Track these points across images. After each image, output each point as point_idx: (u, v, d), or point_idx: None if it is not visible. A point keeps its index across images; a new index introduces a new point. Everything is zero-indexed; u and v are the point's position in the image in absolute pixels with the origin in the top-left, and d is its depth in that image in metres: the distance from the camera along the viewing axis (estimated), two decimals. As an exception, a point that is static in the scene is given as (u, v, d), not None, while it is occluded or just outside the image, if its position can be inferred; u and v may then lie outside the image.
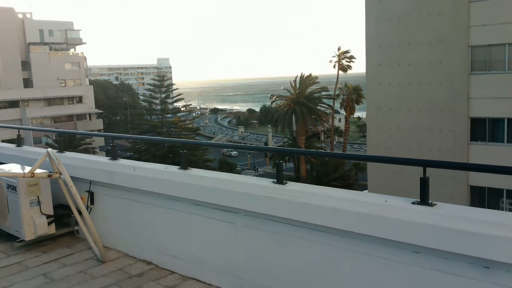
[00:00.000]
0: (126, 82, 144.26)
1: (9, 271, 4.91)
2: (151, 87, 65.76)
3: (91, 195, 5.53)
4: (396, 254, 3.19)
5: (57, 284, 4.57)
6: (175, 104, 68.38)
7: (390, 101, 25.94)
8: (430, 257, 3.04)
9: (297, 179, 49.06)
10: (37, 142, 56.51)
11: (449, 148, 23.82)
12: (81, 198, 5.19)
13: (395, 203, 3.26)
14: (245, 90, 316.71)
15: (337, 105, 62.42)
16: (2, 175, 5.50)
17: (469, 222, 2.89)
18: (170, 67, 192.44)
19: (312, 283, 3.71)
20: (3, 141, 9.37)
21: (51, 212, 5.57)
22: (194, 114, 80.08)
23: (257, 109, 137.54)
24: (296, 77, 57.72)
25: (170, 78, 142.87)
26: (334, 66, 60.43)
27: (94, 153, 54.19)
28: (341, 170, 47.98)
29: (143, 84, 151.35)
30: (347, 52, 60.66)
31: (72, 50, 78.48)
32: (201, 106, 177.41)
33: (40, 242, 5.60)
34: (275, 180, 3.96)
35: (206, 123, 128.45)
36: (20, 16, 74.11)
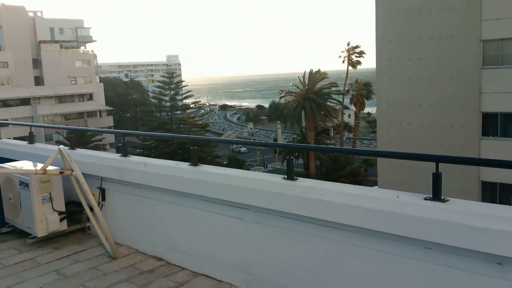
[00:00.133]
0: (136, 79, 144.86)
1: (22, 267, 4.96)
2: (161, 84, 65.96)
3: (103, 191, 5.56)
4: (407, 250, 3.17)
5: (69, 280, 4.60)
6: (184, 101, 68.58)
7: (400, 96, 25.77)
8: (442, 253, 3.01)
9: (307, 175, 48.96)
10: (48, 140, 57.02)
11: (460, 143, 23.61)
12: (93, 194, 5.23)
13: (407, 199, 3.24)
14: (254, 86, 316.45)
15: (346, 101, 62.16)
16: (15, 172, 5.55)
17: (482, 218, 2.86)
18: (180, 64, 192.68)
19: (322, 279, 3.70)
20: (15, 138, 9.46)
21: (63, 209, 5.62)
22: (203, 110, 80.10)
23: (266, 105, 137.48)
24: (304, 73, 57.53)
25: (180, 75, 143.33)
26: (343, 61, 60.21)
27: (104, 150, 54.54)
28: (350, 166, 47.84)
29: (153, 81, 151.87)
30: (356, 47, 60.39)
31: (82, 47, 78.94)
32: (210, 103, 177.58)
33: (52, 239, 5.64)
34: (286, 176, 3.95)
35: (216, 119, 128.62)
36: (31, 14, 74.69)
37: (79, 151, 6.33)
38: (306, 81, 56.44)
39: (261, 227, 4.04)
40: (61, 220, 5.57)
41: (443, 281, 3.04)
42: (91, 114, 70.67)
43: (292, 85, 63.77)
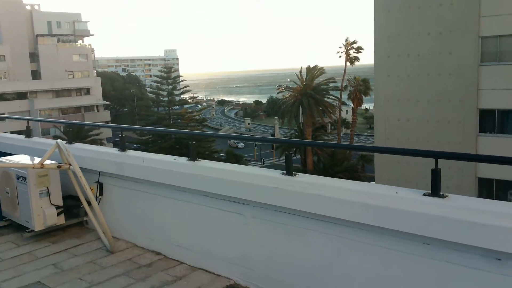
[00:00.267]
0: (134, 73, 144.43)
1: (20, 261, 4.95)
2: (158, 79, 65.80)
3: (100, 186, 5.55)
4: (407, 246, 3.17)
5: (67, 274, 4.60)
6: (182, 95, 68.41)
7: (398, 92, 25.79)
8: (441, 249, 3.02)
9: (304, 171, 49.02)
10: (45, 134, 56.90)
11: (458, 140, 23.67)
12: (90, 189, 5.21)
13: (406, 195, 3.24)
14: (252, 82, 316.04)
15: (344, 97, 62.17)
16: (12, 166, 5.54)
17: (481, 214, 2.86)
18: (177, 59, 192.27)
19: (321, 275, 3.70)
20: (12, 132, 9.43)
21: (60, 203, 5.61)
22: (200, 106, 79.90)
23: (264, 100, 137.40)
24: (301, 69, 57.51)
25: (177, 70, 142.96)
26: (340, 56, 60.18)
27: (101, 144, 54.46)
28: (347, 162, 47.91)
29: (150, 75, 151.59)
30: (354, 42, 60.33)
31: (79, 41, 78.67)
32: (208, 98, 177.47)
33: (49, 233, 5.63)
34: (285, 172, 3.95)
35: (213, 114, 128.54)
36: (28, 8, 74.33)
37: (77, 145, 6.31)
38: (304, 76, 56.39)
39: (260, 222, 4.04)
40: (58, 214, 5.56)
41: (442, 277, 3.05)
42: (88, 108, 70.47)
43: (290, 80, 63.73)
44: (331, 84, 58.25)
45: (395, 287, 3.30)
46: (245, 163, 54.54)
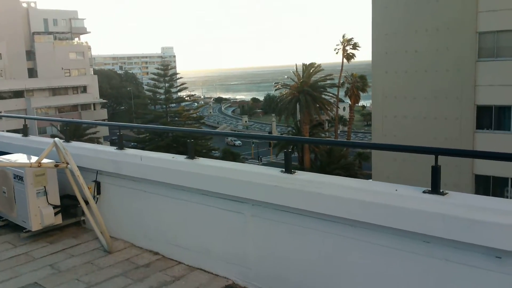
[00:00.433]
0: (130, 71, 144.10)
1: (16, 261, 4.91)
2: (155, 77, 65.64)
3: (98, 185, 5.52)
4: (407, 244, 3.16)
5: (64, 274, 4.56)
6: (179, 93, 68.28)
7: (396, 89, 25.79)
8: (441, 246, 3.00)
9: (301, 168, 49.03)
10: (41, 132, 56.67)
11: (455, 136, 23.68)
12: (88, 188, 5.18)
13: (406, 192, 3.22)
14: (250, 79, 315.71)
15: (341, 94, 62.15)
16: (9, 165, 5.49)
17: (481, 212, 2.84)
18: (174, 56, 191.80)
19: (321, 273, 3.68)
20: (8, 131, 9.37)
21: (57, 202, 5.57)
22: (197, 104, 79.60)
23: (262, 98, 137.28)
24: (295, 65, 57.47)
25: (174, 67, 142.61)
26: (337, 53, 60.14)
27: (98, 143, 54.32)
28: (345, 159, 47.92)
29: (147, 73, 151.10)
30: (351, 39, 60.28)
31: (76, 39, 78.36)
32: (205, 96, 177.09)
33: (46, 233, 5.59)
34: (284, 169, 3.92)
35: (210, 112, 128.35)
36: (24, 5, 73.95)
37: (74, 144, 6.27)
38: (301, 73, 56.34)
39: (259, 220, 4.01)
40: (55, 214, 5.52)
41: (442, 275, 3.03)
42: (85, 106, 70.24)
43: (287, 77, 63.66)
44: (328, 81, 58.21)
45: (395, 285, 3.28)
46: (242, 161, 54.52)
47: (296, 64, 57.77)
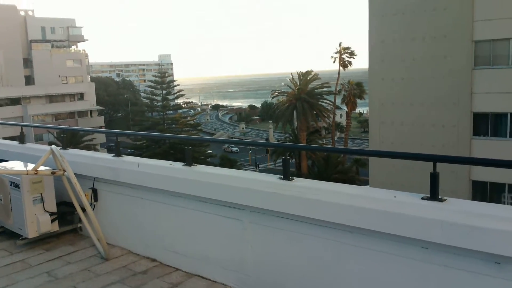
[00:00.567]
0: (128, 79, 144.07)
1: (13, 269, 4.88)
2: (153, 84, 65.70)
3: (95, 192, 5.50)
4: (405, 250, 3.15)
5: (61, 282, 4.53)
6: (176, 100, 68.32)
7: (393, 96, 25.87)
8: (440, 252, 3.00)
9: (298, 175, 49.02)
10: (38, 140, 56.54)
11: (452, 143, 23.75)
12: (85, 195, 5.15)
13: (405, 199, 3.21)
14: (247, 86, 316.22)
15: (338, 101, 62.34)
16: (5, 173, 5.46)
17: (480, 218, 2.85)
18: (172, 64, 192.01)
19: (319, 280, 3.67)
20: (5, 138, 9.34)
21: (54, 210, 5.54)
22: (193, 111, 79.50)
23: (259, 105, 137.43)
24: (291, 75, 57.77)
25: (172, 75, 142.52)
26: (334, 61, 60.41)
27: (95, 150, 54.20)
28: (342, 166, 47.97)
29: (145, 80, 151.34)
30: (348, 48, 60.61)
31: (73, 47, 78.41)
32: (202, 103, 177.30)
33: (43, 240, 5.56)
34: (282, 176, 3.92)
35: (208, 119, 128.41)
36: (22, 13, 74.04)
37: (71, 151, 6.25)
38: (297, 81, 56.55)
39: (257, 227, 4.00)
40: (52, 221, 5.49)
41: (441, 281, 3.03)
42: (82, 114, 70.21)
43: (283, 85, 63.86)
44: (325, 88, 58.41)
45: (394, 292, 3.27)
46: (239, 167, 54.50)
47: (291, 74, 58.03)
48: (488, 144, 23.24)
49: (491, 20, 22.53)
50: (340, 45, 60.59)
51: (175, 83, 70.39)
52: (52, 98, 68.26)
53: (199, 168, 4.63)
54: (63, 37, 77.80)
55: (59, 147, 5.73)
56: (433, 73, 24.28)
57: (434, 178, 3.16)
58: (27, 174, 5.22)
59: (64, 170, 5.17)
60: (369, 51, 26.85)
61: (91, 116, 71.16)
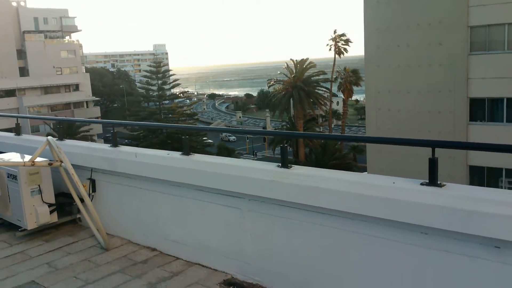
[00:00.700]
0: (123, 69, 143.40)
1: (13, 260, 4.88)
2: (148, 74, 65.36)
3: (93, 182, 5.49)
4: (405, 236, 3.16)
5: (61, 272, 4.54)
6: (172, 90, 68.06)
7: (389, 83, 25.84)
8: (439, 238, 3.01)
9: (296, 162, 49.05)
10: (34, 131, 56.36)
11: (449, 129, 23.80)
12: (83, 185, 5.14)
13: (404, 185, 3.22)
14: (243, 75, 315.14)
15: (334, 89, 62.23)
16: (2, 165, 5.44)
17: (479, 202, 2.85)
18: (167, 53, 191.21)
19: (319, 267, 3.68)
20: (0, 130, 9.29)
21: (52, 201, 5.53)
22: (189, 101, 79.26)
23: (255, 94, 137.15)
24: (286, 64, 57.57)
25: (167, 64, 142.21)
26: (330, 49, 60.23)
27: (92, 140, 54.05)
28: (340, 153, 48.02)
29: (140, 70, 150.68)
30: (343, 35, 60.38)
31: (67, 37, 77.80)
32: (198, 92, 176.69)
33: (42, 231, 5.56)
34: (280, 164, 3.91)
35: (204, 108, 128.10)
36: (14, 4, 73.26)
37: (68, 142, 6.23)
38: (293, 69, 56.36)
39: (256, 215, 4.00)
40: (51, 212, 5.48)
41: (441, 266, 3.04)
42: (78, 104, 69.88)
43: (279, 73, 63.65)
44: (321, 76, 58.25)
45: (394, 277, 3.29)
46: (237, 156, 54.50)
47: (286, 62, 57.81)
48: (485, 130, 23.30)
49: (486, 6, 22.44)
50: (335, 32, 60.39)
51: (171, 72, 70.08)
52: (47, 89, 67.86)
53: (197, 157, 4.61)
54: (56, 27, 77.15)
55: (56, 138, 5.71)
56: (429, 60, 24.23)
57: (433, 164, 3.16)
58: (24, 166, 5.20)
59: (61, 161, 5.15)
60: (364, 38, 26.75)
61: (87, 107, 70.85)
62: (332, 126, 65.87)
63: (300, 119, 53.84)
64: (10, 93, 64.05)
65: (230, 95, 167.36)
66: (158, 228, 4.93)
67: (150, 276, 4.34)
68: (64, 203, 5.73)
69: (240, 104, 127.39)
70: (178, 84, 69.62)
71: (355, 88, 59.97)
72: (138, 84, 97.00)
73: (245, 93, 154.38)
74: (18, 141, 6.74)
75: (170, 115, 61.48)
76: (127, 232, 5.27)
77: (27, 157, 5.37)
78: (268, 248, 3.99)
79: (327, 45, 60.75)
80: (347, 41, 60.39)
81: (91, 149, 5.71)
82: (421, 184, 3.19)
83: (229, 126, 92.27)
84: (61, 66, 73.63)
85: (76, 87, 71.22)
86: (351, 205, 3.33)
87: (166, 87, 65.81)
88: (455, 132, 23.62)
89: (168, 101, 67.09)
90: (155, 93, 63.38)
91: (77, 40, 78.71)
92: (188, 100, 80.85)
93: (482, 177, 23.91)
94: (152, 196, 4.92)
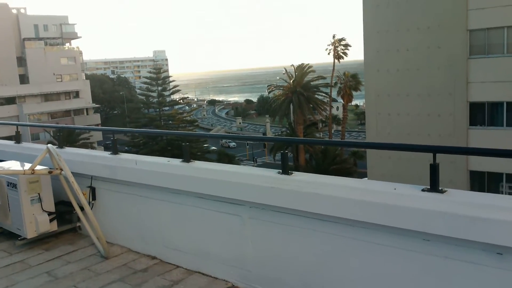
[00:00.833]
0: (123, 75, 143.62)
1: (12, 269, 4.85)
2: (148, 80, 65.44)
3: (93, 190, 5.47)
4: (406, 243, 3.14)
5: (61, 281, 4.51)
6: (172, 96, 68.13)
7: (388, 87, 25.83)
8: (441, 244, 2.99)
9: (296, 168, 49.00)
10: (34, 139, 56.31)
11: (449, 133, 23.77)
12: (83, 193, 5.12)
13: (405, 191, 3.20)
14: (242, 81, 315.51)
15: (334, 94, 62.29)
16: (2, 173, 5.42)
17: (481, 208, 2.83)
18: (167, 59, 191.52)
19: (320, 274, 3.66)
20: (0, 138, 9.28)
21: (52, 209, 5.51)
22: (188, 108, 79.31)
23: (255, 99, 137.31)
24: (284, 68, 57.68)
25: (167, 71, 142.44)
26: (328, 53, 60.36)
27: (92, 148, 54.07)
28: (340, 158, 47.99)
29: (140, 77, 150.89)
30: (342, 39, 60.52)
31: (67, 44, 77.96)
32: (198, 98, 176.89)
33: (42, 240, 5.54)
34: (281, 171, 3.90)
35: (204, 115, 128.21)
36: (14, 11, 73.46)
37: (68, 149, 6.22)
38: (293, 74, 56.43)
39: (257, 222, 3.98)
40: (51, 220, 5.46)
41: (443, 273, 3.02)
42: (78, 112, 69.89)
43: (279, 78, 63.73)
44: (321, 81, 58.31)
45: (395, 284, 3.26)
46: (237, 162, 54.44)
47: (285, 68, 57.91)
48: (485, 134, 23.26)
49: (485, 9, 22.47)
50: (334, 37, 60.52)
51: (171, 78, 70.18)
52: (47, 97, 67.91)
53: (197, 164, 4.60)
54: (56, 34, 77.32)
55: (56, 146, 5.70)
56: (428, 63, 24.24)
57: (434, 170, 3.14)
58: (24, 174, 5.18)
59: (61, 169, 5.14)
60: (364, 42, 26.78)
61: (87, 114, 70.85)
62: (332, 131, 65.87)
63: (300, 125, 53.83)
64: (10, 100, 64.10)
65: (230, 101, 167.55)
66: (158, 236, 4.91)
67: (150, 284, 4.31)
68: (64, 212, 5.70)
69: (240, 110, 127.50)
70: (178, 91, 69.80)
71: (354, 93, 60.02)
72: (138, 91, 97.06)
73: (245, 98, 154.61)
74: (18, 149, 6.73)
75: (170, 122, 61.49)
76: (127, 240, 5.25)
77: (27, 165, 5.35)
78: (269, 255, 3.97)
79: (326, 49, 60.92)
80: (346, 46, 60.53)
81: (91, 157, 5.69)
82: (422, 190, 3.17)
83: (229, 132, 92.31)
84: (61, 73, 73.70)
85: (76, 94, 71.29)
86: (352, 212, 3.31)
87: (166, 93, 65.94)
88: (455, 136, 23.58)
89: (168, 108, 67.13)
90: (155, 100, 63.43)
91: (77, 47, 78.89)
92: (188, 107, 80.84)
93: (482, 182, 23.85)
94: (152, 203, 4.90)
